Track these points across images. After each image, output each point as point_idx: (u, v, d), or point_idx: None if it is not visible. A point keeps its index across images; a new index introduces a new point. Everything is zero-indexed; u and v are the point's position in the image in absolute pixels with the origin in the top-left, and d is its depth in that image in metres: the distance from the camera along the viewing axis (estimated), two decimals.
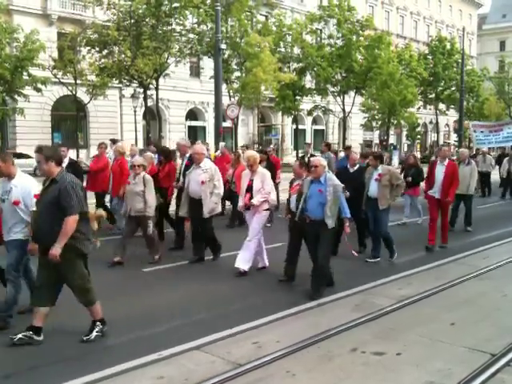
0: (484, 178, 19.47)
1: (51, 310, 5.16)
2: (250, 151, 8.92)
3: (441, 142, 51.60)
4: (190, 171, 8.46)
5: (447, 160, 9.86)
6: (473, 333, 5.40)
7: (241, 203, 8.07)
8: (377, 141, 53.03)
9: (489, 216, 14.92)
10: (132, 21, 25.73)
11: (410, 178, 12.44)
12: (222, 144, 15.62)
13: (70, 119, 31.85)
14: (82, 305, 5.35)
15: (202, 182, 8.16)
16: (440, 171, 9.73)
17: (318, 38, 40.63)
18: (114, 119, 34.39)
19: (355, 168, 9.53)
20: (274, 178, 10.93)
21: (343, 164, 11.16)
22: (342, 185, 7.00)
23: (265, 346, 4.99)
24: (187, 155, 9.45)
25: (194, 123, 40.43)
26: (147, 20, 26.12)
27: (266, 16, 39.43)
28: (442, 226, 9.95)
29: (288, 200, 7.68)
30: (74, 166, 9.83)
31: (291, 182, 7.86)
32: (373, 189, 8.75)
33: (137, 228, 8.59)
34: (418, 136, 50.97)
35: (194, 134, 40.40)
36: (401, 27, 57.97)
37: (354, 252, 7.72)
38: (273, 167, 11.80)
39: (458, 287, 7.08)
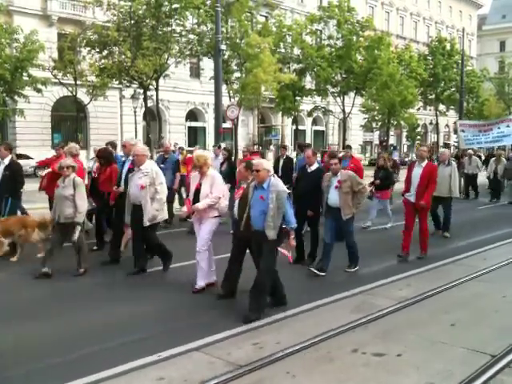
0: (470, 180, 18.90)
1: (54, 311, 5.15)
2: (199, 151, 8.05)
3: (441, 143, 51.65)
4: (133, 174, 7.83)
5: (426, 161, 9.12)
6: (473, 334, 5.40)
7: (184, 209, 7.32)
8: (377, 141, 53.09)
9: (486, 218, 14.93)
10: (132, 21, 25.76)
11: (378, 181, 12.03)
12: (222, 145, 15.63)
13: (70, 120, 31.88)
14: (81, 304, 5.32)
15: (142, 187, 7.52)
16: (417, 173, 9.01)
17: (318, 39, 40.67)
18: (114, 120, 34.42)
19: (312, 168, 8.67)
20: (232, 181, 10.23)
21: (303, 163, 10.67)
22: (288, 191, 6.17)
23: (265, 347, 4.99)
24: (130, 157, 8.50)
25: (194, 124, 40.47)
26: (147, 21, 26.15)
27: (266, 17, 39.45)
28: (420, 234, 9.14)
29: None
30: (11, 167, 9.29)
31: (238, 187, 7.25)
32: (333, 197, 7.89)
33: (65, 237, 7.69)
34: (418, 137, 50.99)
35: (194, 134, 40.47)
36: (401, 28, 58.04)
37: (284, 253, 6.33)
38: (234, 169, 11.01)
39: (457, 288, 7.08)
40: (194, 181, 7.16)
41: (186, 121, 39.59)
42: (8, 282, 7.46)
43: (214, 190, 6.96)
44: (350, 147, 13.24)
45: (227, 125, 31.26)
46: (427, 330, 5.50)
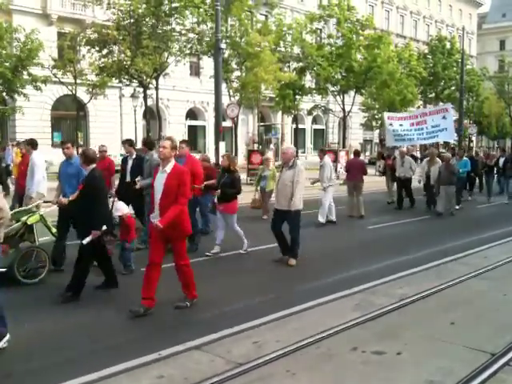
0: (403, 184, 15.66)
1: (54, 310, 5.15)
2: None
3: (441, 142, 51.48)
4: None
5: (171, 164, 6.11)
6: (473, 332, 5.40)
7: None
8: (377, 140, 53.06)
9: (486, 216, 14.95)
10: (132, 20, 25.70)
11: (219, 190, 8.95)
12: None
13: (69, 119, 31.87)
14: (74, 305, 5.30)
15: None
16: (160, 182, 6.11)
17: (318, 38, 40.63)
18: (113, 119, 34.39)
19: None
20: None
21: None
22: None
23: (265, 345, 4.99)
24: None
25: (194, 123, 40.45)
26: (147, 19, 26.10)
27: (266, 15, 39.40)
28: (178, 273, 6.42)
29: None
30: None
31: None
32: None
33: None
34: None
35: (194, 133, 40.44)
36: (401, 27, 57.98)
37: None
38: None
39: (457, 287, 7.08)
40: None
41: (186, 119, 39.56)
42: None
43: None
44: (185, 142, 9.68)
45: (227, 123, 31.33)
46: (427, 328, 5.50)
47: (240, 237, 9.22)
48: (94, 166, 6.74)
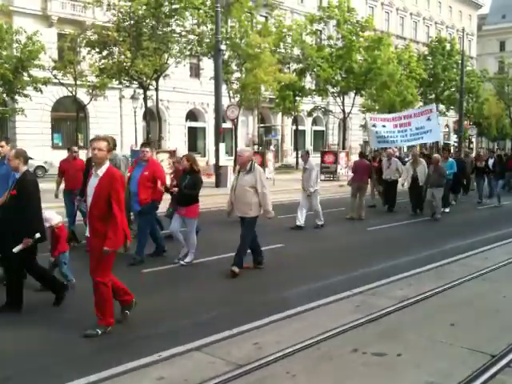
0: (389, 187, 15.26)
1: (51, 311, 5.14)
2: None
3: (441, 143, 51.54)
4: None
5: (105, 167, 5.43)
6: (473, 334, 5.40)
7: None
8: None
9: (487, 217, 14.94)
10: (132, 22, 25.74)
11: (175, 188, 8.57)
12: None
13: (69, 120, 31.89)
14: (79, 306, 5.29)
15: None
16: (91, 188, 5.47)
17: (318, 39, 40.67)
18: (113, 120, 34.41)
19: None
20: None
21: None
22: None
23: (265, 346, 4.98)
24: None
25: (194, 124, 40.46)
26: (147, 21, 26.13)
27: (266, 17, 39.43)
28: (95, 294, 5.51)
29: None
30: None
31: None
32: None
33: None
34: None
35: (194, 134, 40.47)
36: (401, 28, 58.07)
37: None
38: None
39: (458, 288, 7.08)
40: None
41: (186, 121, 39.58)
42: None
43: None
44: (148, 144, 9.30)
45: (227, 125, 31.34)
46: (427, 329, 5.50)
47: (190, 247, 8.38)
48: (26, 168, 6.05)
